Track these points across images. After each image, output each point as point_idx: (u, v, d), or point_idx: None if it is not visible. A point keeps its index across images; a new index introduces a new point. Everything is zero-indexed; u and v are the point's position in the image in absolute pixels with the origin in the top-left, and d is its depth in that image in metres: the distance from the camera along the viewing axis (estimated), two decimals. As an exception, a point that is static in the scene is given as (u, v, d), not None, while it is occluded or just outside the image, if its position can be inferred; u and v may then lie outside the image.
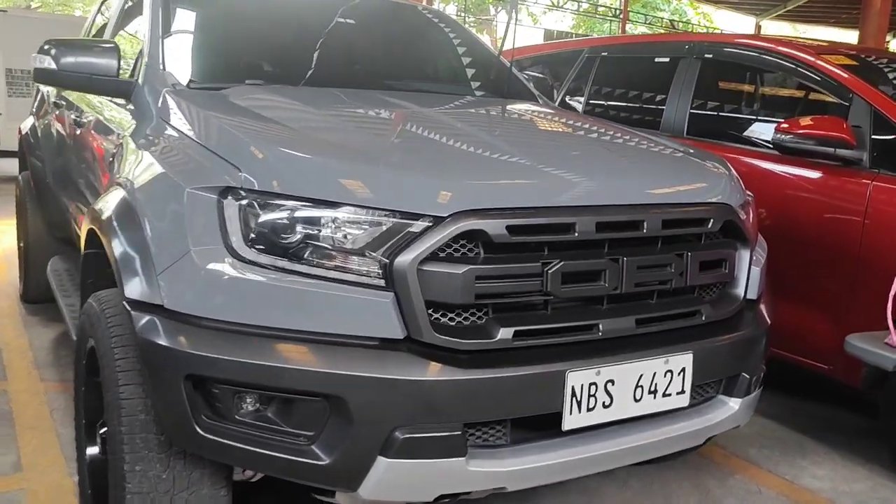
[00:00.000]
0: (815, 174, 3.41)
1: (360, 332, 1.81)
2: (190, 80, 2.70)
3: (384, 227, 1.83)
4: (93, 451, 2.39)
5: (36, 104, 5.01)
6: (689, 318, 2.17)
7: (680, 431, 2.14)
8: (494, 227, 1.84)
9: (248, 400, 1.85)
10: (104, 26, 4.07)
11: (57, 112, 4.20)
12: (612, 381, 1.97)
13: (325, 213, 1.83)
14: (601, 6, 27.34)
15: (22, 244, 5.00)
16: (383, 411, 1.77)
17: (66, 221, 4.06)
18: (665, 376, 2.05)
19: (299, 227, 1.83)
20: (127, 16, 3.52)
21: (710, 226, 2.18)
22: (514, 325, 1.88)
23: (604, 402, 1.96)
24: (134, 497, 1.95)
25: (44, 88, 4.88)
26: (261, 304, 1.82)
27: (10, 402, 3.53)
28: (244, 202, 1.86)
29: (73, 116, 3.67)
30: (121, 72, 2.80)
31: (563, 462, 1.94)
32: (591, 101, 4.83)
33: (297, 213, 1.84)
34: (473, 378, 1.81)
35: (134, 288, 1.93)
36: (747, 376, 2.27)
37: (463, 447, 1.83)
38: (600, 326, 1.99)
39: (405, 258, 1.79)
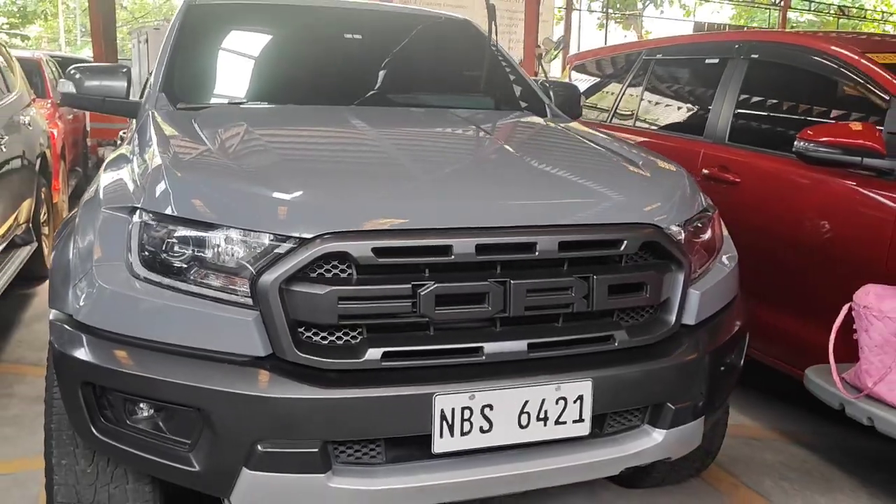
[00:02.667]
0: (849, 185, 3.12)
1: (230, 349, 1.89)
2: (178, 101, 2.90)
3: (256, 249, 1.90)
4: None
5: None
6: (598, 344, 2.07)
7: (583, 461, 2.06)
8: (359, 249, 1.87)
9: (139, 407, 1.98)
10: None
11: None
12: (490, 406, 1.93)
13: (205, 235, 1.93)
14: (760, -6, 25.83)
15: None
16: (243, 425, 1.85)
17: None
18: (557, 403, 1.98)
19: (183, 247, 1.95)
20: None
21: (622, 248, 2.08)
22: (383, 346, 1.90)
23: (481, 427, 1.93)
24: (60, 488, 2.15)
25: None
26: (147, 319, 1.95)
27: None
28: (143, 221, 2.00)
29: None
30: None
31: (436, 485, 1.93)
32: (643, 107, 4.64)
33: (182, 234, 1.95)
34: (332, 397, 1.85)
35: (55, 298, 2.12)
36: (672, 407, 2.14)
37: (322, 464, 1.87)
38: (485, 349, 1.96)
39: (268, 277, 1.85)
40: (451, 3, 12.65)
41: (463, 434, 1.92)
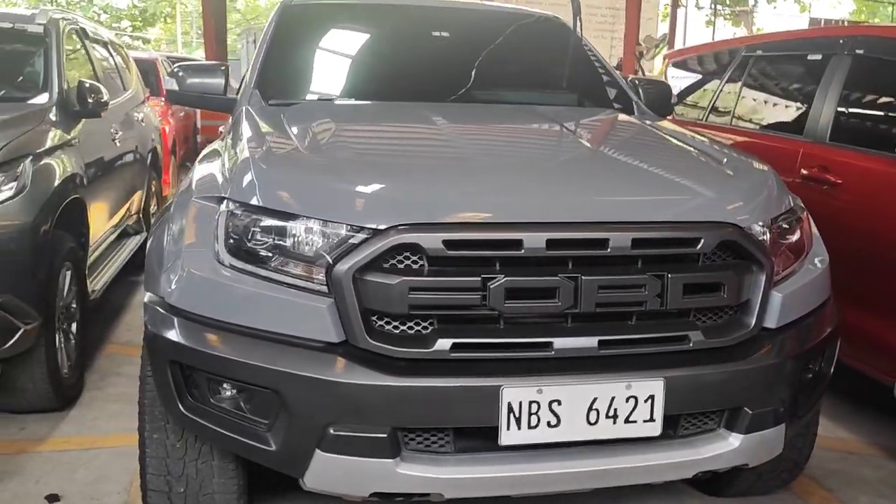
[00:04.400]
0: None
1: (306, 334, 1.97)
2: (270, 98, 3.02)
3: (332, 238, 1.97)
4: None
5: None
6: (672, 344, 2.04)
7: (655, 461, 2.03)
8: (429, 241, 1.90)
9: (222, 386, 2.09)
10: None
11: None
12: (559, 401, 1.93)
13: (285, 224, 2.02)
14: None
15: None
16: (316, 408, 1.92)
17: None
18: (627, 402, 1.96)
19: (265, 236, 2.04)
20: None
21: (699, 247, 2.03)
22: (452, 337, 1.93)
23: (549, 422, 1.93)
24: (151, 461, 2.29)
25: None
26: (230, 303, 2.05)
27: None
28: (229, 211, 2.10)
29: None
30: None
31: (503, 477, 1.95)
32: (741, 105, 4.50)
33: (265, 223, 2.04)
34: (402, 385, 1.89)
35: (149, 281, 2.26)
36: (749, 411, 2.08)
37: (390, 449, 1.91)
38: (555, 345, 1.96)
39: (342, 267, 1.92)
40: (545, 1, 12.51)
41: (530, 427, 1.93)
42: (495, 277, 1.91)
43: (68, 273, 3.70)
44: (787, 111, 4.15)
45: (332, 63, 3.42)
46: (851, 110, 3.67)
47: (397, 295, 1.90)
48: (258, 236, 2.04)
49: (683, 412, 2.06)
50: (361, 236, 1.94)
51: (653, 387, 1.97)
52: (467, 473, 1.94)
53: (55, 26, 4.51)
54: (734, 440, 2.10)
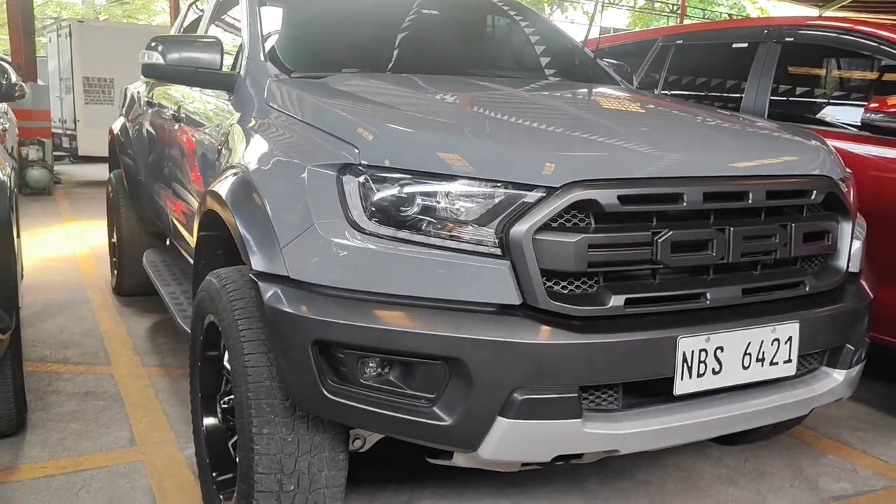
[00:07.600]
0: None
1: (478, 298, 1.89)
2: (291, 71, 2.83)
3: (498, 199, 1.90)
4: (210, 421, 2.51)
5: (125, 106, 5.23)
6: (794, 289, 2.19)
7: (786, 400, 2.16)
8: (606, 197, 1.90)
9: (372, 364, 1.94)
10: (194, 23, 4.26)
11: (150, 111, 4.39)
12: (722, 348, 2.00)
13: (440, 187, 1.92)
14: (658, 2, 27.04)
15: (115, 240, 5.21)
16: (502, 373, 1.84)
17: (158, 215, 4.25)
18: (772, 345, 2.08)
19: (417, 200, 1.92)
20: (220, 13, 3.69)
21: (812, 198, 2.20)
22: (625, 293, 1.94)
23: (713, 369, 2.00)
24: (262, 458, 2.06)
25: (132, 90, 5.11)
26: (382, 273, 1.91)
27: (116, 384, 3.72)
28: (363, 178, 1.96)
29: (167, 113, 3.84)
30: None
31: (675, 426, 1.99)
32: (665, 92, 4.82)
33: (414, 188, 1.92)
34: (588, 342, 1.87)
35: (260, 261, 2.04)
36: (851, 348, 2.28)
37: (579, 409, 1.89)
38: (708, 295, 2.03)
39: (521, 228, 1.86)
40: None
41: (699, 376, 1.98)
42: (661, 231, 1.95)
43: (10, 276, 3.21)
44: (718, 96, 4.51)
45: (340, 36, 3.25)
46: (786, 92, 4.08)
47: (577, 253, 1.87)
48: (412, 201, 1.92)
49: (810, 351, 2.21)
50: (536, 195, 1.89)
51: (791, 329, 2.10)
52: (646, 427, 1.95)
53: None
54: (837, 376, 2.28)
